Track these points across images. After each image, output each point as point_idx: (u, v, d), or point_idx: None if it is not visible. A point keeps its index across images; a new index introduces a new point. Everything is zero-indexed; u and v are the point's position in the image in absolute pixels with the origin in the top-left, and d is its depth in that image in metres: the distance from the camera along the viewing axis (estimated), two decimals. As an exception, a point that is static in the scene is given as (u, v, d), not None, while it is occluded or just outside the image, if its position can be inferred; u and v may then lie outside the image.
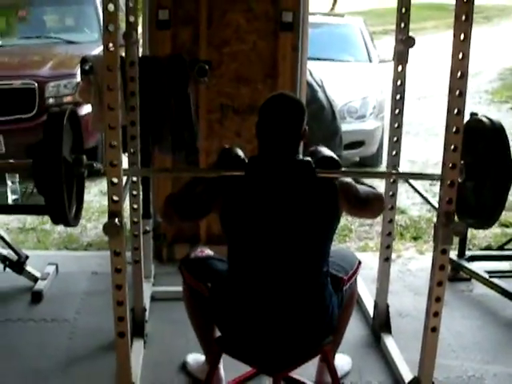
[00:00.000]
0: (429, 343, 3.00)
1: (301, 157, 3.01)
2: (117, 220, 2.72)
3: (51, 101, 7.27)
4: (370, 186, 3.10)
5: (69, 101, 7.19)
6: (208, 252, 3.37)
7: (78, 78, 7.24)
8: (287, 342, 2.97)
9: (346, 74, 8.38)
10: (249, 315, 2.98)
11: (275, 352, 2.98)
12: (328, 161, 2.99)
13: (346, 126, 6.65)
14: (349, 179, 3.02)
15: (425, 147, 8.74)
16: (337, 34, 9.49)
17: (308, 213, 2.91)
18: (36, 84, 7.25)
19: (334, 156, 3.03)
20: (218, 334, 3.22)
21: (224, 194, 2.94)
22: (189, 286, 3.30)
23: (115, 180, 2.74)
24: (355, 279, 3.36)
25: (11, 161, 3.39)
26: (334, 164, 2.98)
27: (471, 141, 3.01)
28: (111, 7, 2.60)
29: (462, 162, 2.88)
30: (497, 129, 3.08)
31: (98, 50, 8.09)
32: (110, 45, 2.62)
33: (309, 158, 2.95)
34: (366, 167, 7.99)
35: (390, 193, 3.77)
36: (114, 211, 2.75)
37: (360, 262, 3.40)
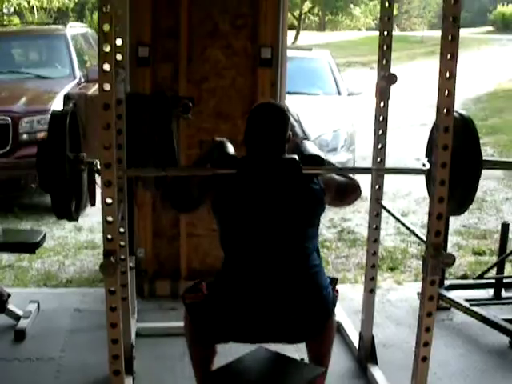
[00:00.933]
0: (420, 373, 3.06)
1: (287, 156, 3.20)
2: (112, 258, 2.76)
3: (25, 137, 7.27)
4: (350, 177, 3.43)
5: (42, 137, 7.17)
6: None
7: (52, 114, 7.25)
8: (284, 317, 3.12)
9: (317, 108, 8.47)
10: (244, 298, 3.11)
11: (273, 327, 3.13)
12: (313, 158, 3.25)
13: (317, 159, 6.71)
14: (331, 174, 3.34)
15: (394, 178, 8.81)
16: (305, 67, 9.61)
17: (294, 205, 3.14)
18: (10, 120, 7.25)
19: (319, 153, 3.29)
20: (214, 367, 3.28)
21: (216, 188, 3.17)
22: (187, 304, 3.32)
23: (110, 219, 2.78)
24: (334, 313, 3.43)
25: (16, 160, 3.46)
26: (319, 161, 3.26)
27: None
28: (107, 47, 2.65)
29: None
30: (466, 123, 3.25)
31: (69, 85, 8.15)
32: (106, 84, 2.67)
33: (295, 156, 3.17)
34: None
35: (374, 226, 3.84)
36: (110, 250, 2.79)
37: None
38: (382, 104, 3.67)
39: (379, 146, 3.71)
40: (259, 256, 3.13)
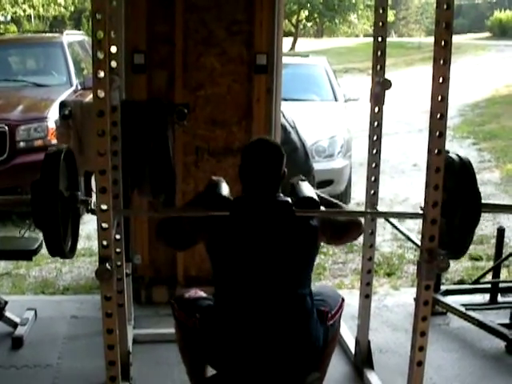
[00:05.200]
0: (415, 377, 3.06)
1: (281, 196, 3.17)
2: (108, 265, 2.77)
3: (22, 144, 7.28)
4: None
5: (39, 144, 7.21)
6: (201, 294, 3.43)
7: (49, 122, 7.29)
8: (274, 366, 3.08)
9: (313, 114, 8.48)
10: (235, 340, 3.09)
11: (263, 374, 3.09)
12: (307, 201, 3.18)
13: (314, 166, 6.69)
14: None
15: (391, 184, 8.85)
16: (302, 74, 9.62)
17: (287, 248, 3.11)
18: (7, 128, 7.25)
19: (313, 195, 3.22)
20: (209, 371, 3.30)
21: (209, 229, 3.15)
22: (179, 321, 3.35)
23: (105, 225, 2.80)
24: (339, 317, 3.43)
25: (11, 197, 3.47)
26: (312, 204, 3.17)
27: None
28: (100, 54, 2.66)
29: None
30: (465, 166, 3.23)
31: (66, 93, 8.17)
32: (100, 91, 2.68)
33: (288, 199, 3.12)
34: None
35: (369, 231, 3.85)
36: (105, 256, 2.80)
37: (343, 299, 3.48)
38: (376, 109, 3.68)
39: (374, 152, 3.72)
40: (252, 297, 3.11)
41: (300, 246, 3.14)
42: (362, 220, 3.54)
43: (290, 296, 3.12)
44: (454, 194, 3.12)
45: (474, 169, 3.25)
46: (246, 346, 3.06)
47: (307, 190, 3.29)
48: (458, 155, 3.27)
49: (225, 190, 3.23)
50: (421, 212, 3.04)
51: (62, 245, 3.03)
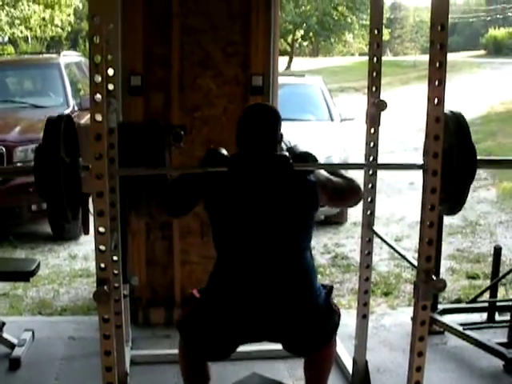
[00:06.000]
0: (413, 398, 3.06)
1: (278, 153, 3.25)
2: (105, 287, 2.78)
3: (19, 166, 7.26)
4: (348, 178, 3.39)
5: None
6: None
7: (46, 143, 7.28)
8: (277, 318, 3.18)
9: (309, 134, 8.49)
10: (239, 296, 3.17)
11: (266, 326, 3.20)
12: (304, 155, 3.32)
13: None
14: (326, 173, 3.33)
15: (388, 203, 8.88)
16: (298, 93, 9.67)
17: (286, 201, 3.17)
18: (4, 149, 7.24)
19: (311, 151, 3.33)
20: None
21: (207, 191, 3.22)
22: (178, 325, 3.36)
23: (103, 247, 2.81)
24: (335, 338, 3.44)
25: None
26: (310, 158, 3.31)
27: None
28: (98, 78, 2.68)
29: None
30: (459, 121, 3.23)
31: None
32: (98, 115, 2.70)
33: (286, 153, 3.23)
34: (330, 225, 8.10)
35: (366, 252, 3.87)
36: (103, 278, 2.81)
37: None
38: (372, 130, 3.70)
39: (370, 172, 3.74)
40: (252, 253, 3.17)
41: (298, 199, 3.19)
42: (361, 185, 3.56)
43: (290, 250, 3.20)
44: (449, 149, 3.08)
45: (467, 123, 3.25)
46: (248, 300, 3.14)
47: (304, 149, 3.41)
48: (451, 111, 3.26)
49: (224, 152, 3.30)
50: (420, 163, 3.08)
51: (66, 210, 3.04)
